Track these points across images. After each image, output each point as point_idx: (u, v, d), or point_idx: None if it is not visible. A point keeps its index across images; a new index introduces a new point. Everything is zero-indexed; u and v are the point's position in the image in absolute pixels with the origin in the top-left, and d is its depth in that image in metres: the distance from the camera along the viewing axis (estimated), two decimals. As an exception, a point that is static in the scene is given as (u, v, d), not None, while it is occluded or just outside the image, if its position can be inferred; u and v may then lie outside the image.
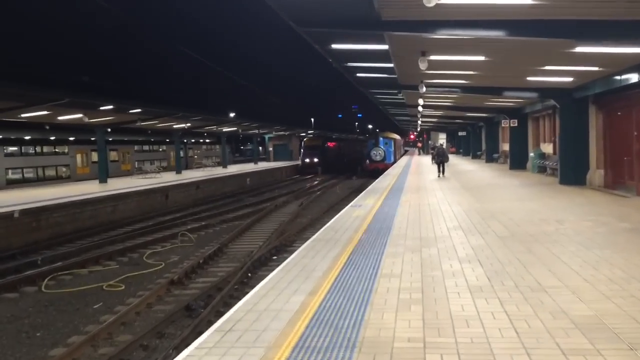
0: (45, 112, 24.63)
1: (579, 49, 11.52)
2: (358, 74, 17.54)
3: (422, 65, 12.52)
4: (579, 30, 9.40)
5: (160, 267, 14.93)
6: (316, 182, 44.69)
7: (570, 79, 16.67)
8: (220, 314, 8.99)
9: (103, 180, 31.75)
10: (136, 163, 55.93)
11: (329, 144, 64.56)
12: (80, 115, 26.36)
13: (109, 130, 41.55)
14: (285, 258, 9.50)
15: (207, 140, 76.62)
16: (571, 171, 19.10)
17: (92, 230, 20.90)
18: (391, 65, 14.81)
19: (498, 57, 13.15)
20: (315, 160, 57.74)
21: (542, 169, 25.14)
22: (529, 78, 16.70)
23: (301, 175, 54.82)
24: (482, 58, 13.12)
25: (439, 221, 11.68)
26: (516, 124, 28.72)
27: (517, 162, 29.28)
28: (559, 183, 19.48)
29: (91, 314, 10.89)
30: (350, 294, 6.16)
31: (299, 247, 10.14)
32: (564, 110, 19.26)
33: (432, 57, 12.76)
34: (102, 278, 13.65)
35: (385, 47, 12.13)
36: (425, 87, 18.10)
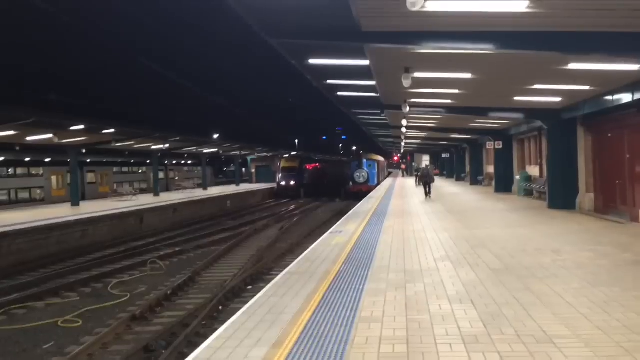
0: (12, 132, 23.44)
1: (572, 66, 10.81)
2: (339, 93, 16.74)
3: (406, 83, 11.73)
4: (574, 43, 8.65)
5: (125, 298, 13.80)
6: (297, 205, 43.68)
7: (559, 99, 16.02)
8: (182, 356, 7.94)
9: (75, 203, 30.47)
10: (115, 185, 54.84)
11: (309, 165, 63.45)
12: (50, 136, 25.19)
13: (84, 151, 40.41)
14: (261, 288, 8.60)
15: (189, 162, 75.45)
16: (560, 195, 18.37)
17: (57, 258, 19.62)
18: (373, 83, 14.02)
19: (485, 74, 12.42)
20: (292, 183, 53.72)
21: (528, 192, 24.46)
22: (516, 98, 16.03)
23: (277, 199, 51.14)
24: (468, 76, 12.38)
25: (425, 250, 10.75)
26: (501, 146, 28.14)
27: (503, 185, 28.62)
28: (548, 207, 18.73)
29: (38, 357, 9.73)
30: (322, 347, 5.17)
31: (276, 275, 9.22)
32: (552, 131, 18.61)
33: (417, 75, 11.99)
34: (59, 312, 12.47)
35: (366, 62, 11.33)
36: (409, 106, 17.37)
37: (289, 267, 9.49)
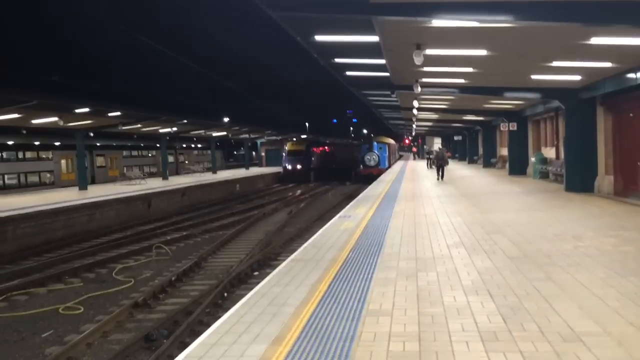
0: (16, 115, 23.12)
1: (594, 40, 10.15)
2: (347, 72, 16.14)
3: (417, 60, 11.13)
4: (599, 13, 8.02)
5: (129, 284, 13.48)
6: (307, 189, 43.22)
7: (578, 78, 15.32)
8: (184, 346, 7.56)
9: (83, 187, 30.25)
10: (125, 169, 54.77)
11: (319, 148, 62.54)
12: (55, 119, 24.85)
13: (92, 134, 40.15)
14: (268, 274, 8.19)
15: (199, 145, 75.08)
16: (578, 177, 17.74)
17: (63, 242, 19.37)
18: (383, 61, 13.42)
19: (502, 50, 11.78)
20: (299, 167, 52.01)
21: (544, 175, 23.79)
22: (533, 76, 15.34)
23: (283, 184, 49.50)
24: (484, 52, 11.74)
25: (437, 236, 10.25)
26: (515, 128, 27.40)
27: (517, 167, 27.94)
28: (565, 190, 18.11)
29: (36, 345, 9.40)
30: (326, 343, 4.72)
31: (284, 260, 8.81)
32: (570, 111, 17.91)
33: (428, 52, 11.39)
34: (61, 299, 12.18)
35: (375, 38, 10.73)
36: (421, 87, 16.75)
37: (294, 253, 9.05)
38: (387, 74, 15.91)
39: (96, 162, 50.50)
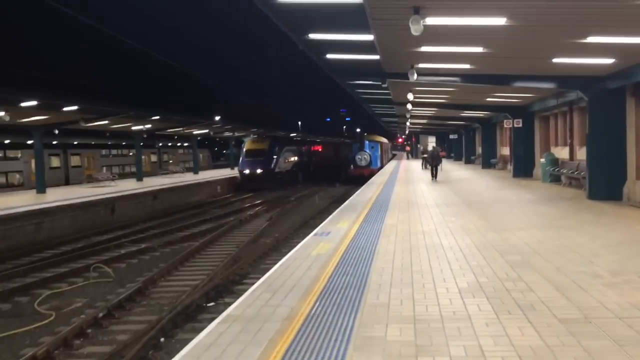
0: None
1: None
2: (329, 55, 13.22)
3: (415, 30, 8.23)
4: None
5: (48, 320, 10.60)
6: (293, 191, 40.26)
7: (610, 61, 12.46)
8: None
9: (41, 190, 27.23)
10: (104, 169, 52.13)
11: (306, 147, 59.22)
12: (1, 114, 21.80)
13: (68, 132, 37.17)
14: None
15: (186, 144, 71.93)
16: (603, 183, 14.91)
17: (-4, 257, 16.40)
18: (370, 37, 10.51)
19: (526, 19, 8.92)
20: (259, 171, 39.73)
21: (555, 178, 20.99)
22: (555, 60, 12.48)
23: (241, 191, 38.81)
24: (501, 21, 8.85)
25: (443, 271, 7.34)
26: (520, 125, 24.57)
27: (522, 168, 25.14)
28: (588, 197, 15.27)
29: None
30: None
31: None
32: (594, 104, 15.06)
33: (430, 21, 8.51)
34: (-51, 343, 9.27)
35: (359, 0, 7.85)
36: (417, 74, 13.84)
37: (234, 305, 6.11)
38: (376, 57, 13.01)
39: (71, 161, 47.51)
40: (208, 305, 11.26)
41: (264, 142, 42.85)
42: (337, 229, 11.57)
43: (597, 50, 11.25)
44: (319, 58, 13.76)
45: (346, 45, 11.99)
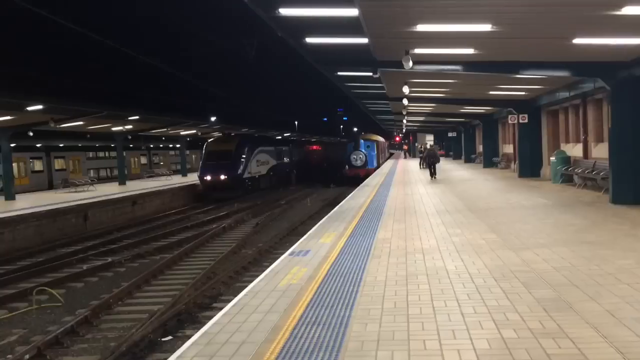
0: None
1: None
2: (308, 39, 11.19)
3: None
4: None
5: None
6: (285, 193, 38.24)
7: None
8: None
9: (9, 196, 25.24)
10: (92, 172, 50.36)
11: (307, 147, 56.89)
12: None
13: (32, 134, 35.18)
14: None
15: (177, 146, 69.87)
16: (630, 184, 12.92)
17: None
18: (355, 11, 8.50)
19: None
20: (223, 177, 32.33)
21: (567, 178, 19.03)
22: (577, 40, 10.48)
23: (202, 202, 31.78)
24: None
25: (451, 318, 5.33)
26: (526, 120, 22.60)
27: (528, 168, 23.16)
28: (611, 202, 13.28)
29: None
30: None
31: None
32: (618, 94, 13.06)
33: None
34: None
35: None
36: (413, 61, 11.84)
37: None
38: (364, 40, 10.99)
39: (54, 164, 45.55)
40: (164, 339, 9.30)
41: (231, 142, 35.21)
42: (319, 246, 9.58)
43: (632, 27, 9.27)
44: (297, 43, 11.75)
45: (327, 24, 9.98)
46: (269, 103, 62.54)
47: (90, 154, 53.22)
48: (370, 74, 14.80)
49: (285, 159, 45.93)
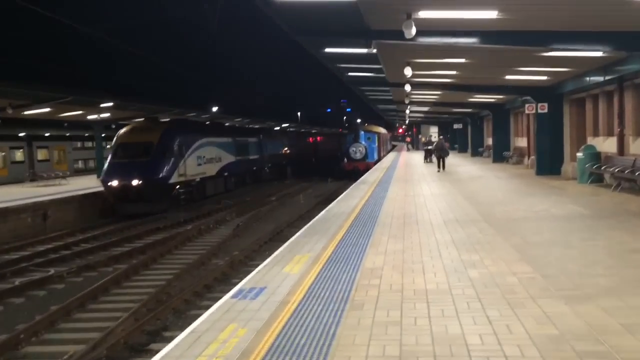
0: None
1: None
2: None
3: None
4: None
5: None
6: (278, 187, 35.47)
7: None
8: None
9: (-38, 192, 22.59)
10: (80, 162, 48.12)
11: (313, 139, 53.74)
12: None
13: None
14: None
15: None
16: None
17: None
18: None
19: None
20: (136, 182, 21.95)
21: (597, 178, 16.19)
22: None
23: (108, 217, 22.42)
24: None
25: None
26: (546, 110, 19.72)
27: (547, 164, 20.30)
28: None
29: None
30: None
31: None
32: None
33: None
34: None
35: None
36: (417, 29, 8.98)
37: None
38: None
39: (37, 155, 43.10)
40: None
41: (153, 131, 24.16)
42: (281, 279, 6.79)
43: None
44: (270, 8, 8.91)
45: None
46: (265, 91, 59.58)
47: (79, 144, 51.09)
48: (365, 50, 11.97)
49: (252, 155, 36.33)
